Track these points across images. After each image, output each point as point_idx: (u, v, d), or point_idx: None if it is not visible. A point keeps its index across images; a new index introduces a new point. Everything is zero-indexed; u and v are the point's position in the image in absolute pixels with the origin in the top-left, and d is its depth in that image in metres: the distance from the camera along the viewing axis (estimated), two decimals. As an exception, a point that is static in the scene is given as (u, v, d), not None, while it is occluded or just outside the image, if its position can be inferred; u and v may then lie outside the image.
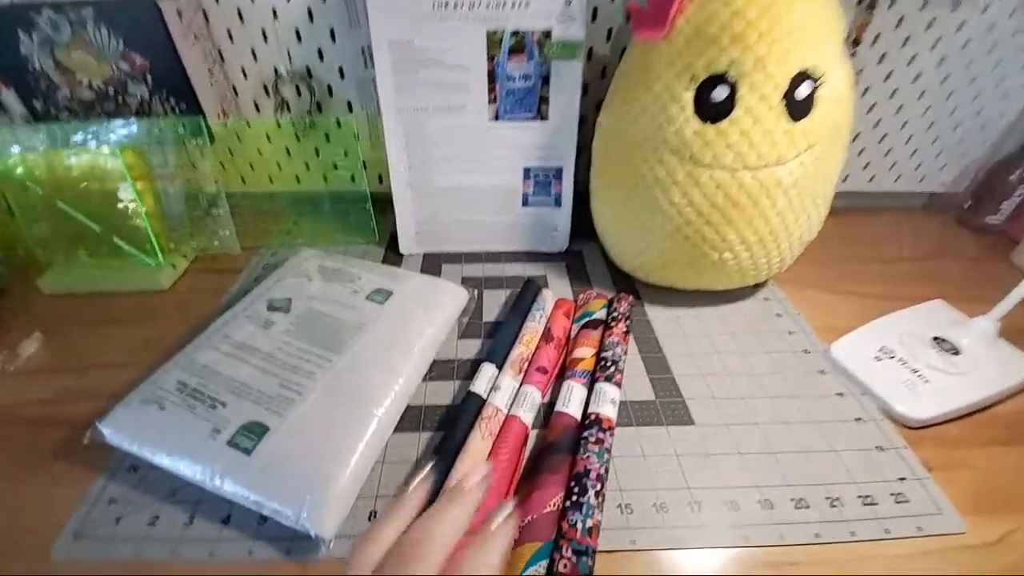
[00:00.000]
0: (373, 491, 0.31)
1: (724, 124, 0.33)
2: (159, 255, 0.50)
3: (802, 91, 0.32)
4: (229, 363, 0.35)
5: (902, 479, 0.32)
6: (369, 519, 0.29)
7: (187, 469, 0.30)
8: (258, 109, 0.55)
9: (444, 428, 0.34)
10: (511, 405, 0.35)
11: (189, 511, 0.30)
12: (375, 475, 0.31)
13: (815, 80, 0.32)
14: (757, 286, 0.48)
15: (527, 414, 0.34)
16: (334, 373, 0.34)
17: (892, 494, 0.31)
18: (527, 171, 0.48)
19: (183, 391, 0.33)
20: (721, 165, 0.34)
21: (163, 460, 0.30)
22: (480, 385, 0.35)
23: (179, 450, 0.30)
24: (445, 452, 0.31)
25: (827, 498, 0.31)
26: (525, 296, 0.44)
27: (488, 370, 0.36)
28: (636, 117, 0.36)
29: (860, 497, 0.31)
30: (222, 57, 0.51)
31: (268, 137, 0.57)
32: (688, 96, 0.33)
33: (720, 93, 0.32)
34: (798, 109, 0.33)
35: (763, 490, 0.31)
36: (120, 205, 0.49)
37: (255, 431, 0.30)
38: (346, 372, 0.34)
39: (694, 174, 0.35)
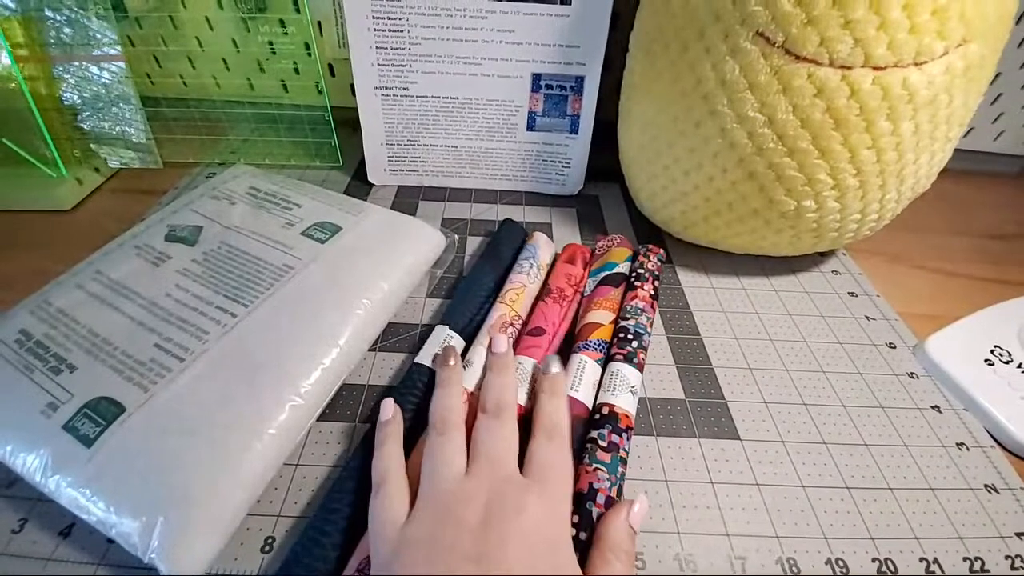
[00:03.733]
0: (276, 507, 0.22)
1: (849, -14, 0.21)
2: (59, 165, 0.39)
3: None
4: (94, 309, 0.25)
5: (1020, 535, 0.23)
6: (264, 549, 0.20)
7: (12, 456, 0.21)
8: (192, -20, 0.42)
9: (375, 416, 0.25)
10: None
11: (23, 513, 0.22)
12: (282, 482, 0.22)
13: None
14: (823, 255, 0.37)
15: (521, 393, 0.24)
16: (236, 333, 0.24)
17: (1008, 556, 0.22)
18: (537, 79, 0.36)
19: (23, 344, 0.23)
20: (830, 58, 0.22)
21: (-17, 439, 0.21)
22: (427, 355, 0.25)
23: (3, 428, 0.21)
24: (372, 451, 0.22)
25: (921, 559, 0.22)
26: (504, 240, 0.33)
27: (441, 334, 0.26)
28: (703, -21, 0.24)
29: (967, 560, 0.22)
30: (139, -101, 0.38)
31: (209, 23, 0.44)
32: (796, -65, 0.21)
33: (854, -73, 0.20)
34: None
35: (834, 544, 0.22)
36: (6, 96, 0.38)
37: (104, 412, 0.21)
38: (254, 333, 0.24)
39: (784, 73, 0.23)
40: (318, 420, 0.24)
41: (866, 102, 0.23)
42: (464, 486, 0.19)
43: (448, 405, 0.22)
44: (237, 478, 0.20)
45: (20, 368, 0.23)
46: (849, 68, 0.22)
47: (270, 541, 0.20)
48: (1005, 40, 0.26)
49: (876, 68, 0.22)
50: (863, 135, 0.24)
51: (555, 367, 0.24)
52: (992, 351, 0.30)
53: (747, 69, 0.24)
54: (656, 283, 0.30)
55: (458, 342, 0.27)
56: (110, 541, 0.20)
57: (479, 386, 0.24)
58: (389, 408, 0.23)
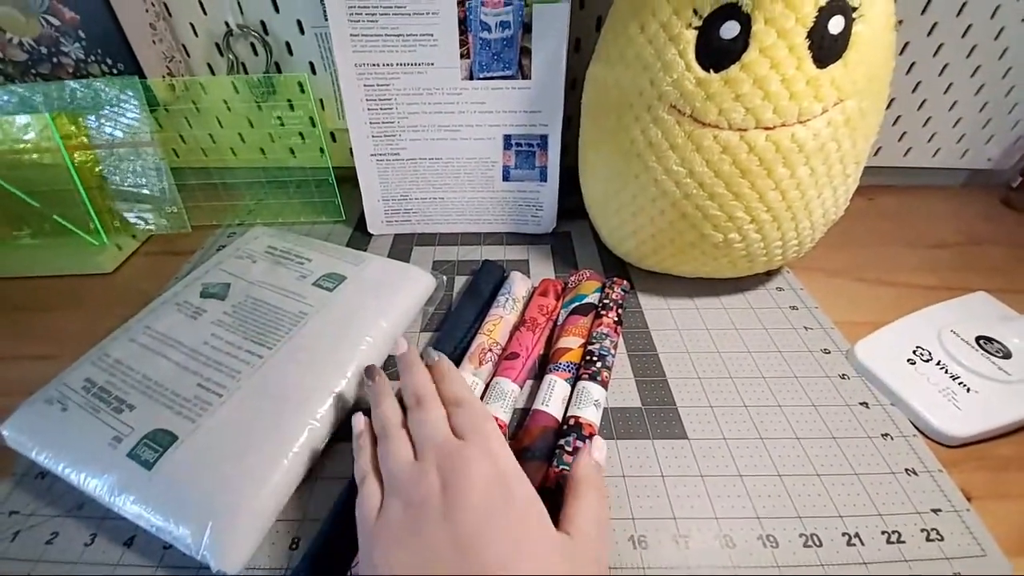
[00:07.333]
0: (300, 513, 0.26)
1: (733, 71, 0.26)
2: (102, 234, 0.45)
3: (834, 26, 0.25)
4: (146, 358, 0.30)
5: (936, 511, 0.27)
6: (292, 547, 0.25)
7: (85, 482, 0.25)
8: (212, 72, 0.50)
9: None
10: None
11: (92, 529, 0.26)
12: (304, 493, 0.27)
13: (851, 11, 0.25)
14: (769, 273, 0.42)
15: (499, 410, 0.29)
16: (263, 371, 0.29)
17: (924, 530, 0.26)
18: (508, 140, 0.42)
19: (89, 390, 0.28)
20: (728, 124, 0.28)
21: (61, 469, 0.26)
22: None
23: (77, 459, 0.26)
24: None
25: (844, 534, 0.26)
26: (483, 278, 0.38)
27: None
28: (628, 66, 0.30)
29: (884, 533, 0.26)
30: (168, 11, 0.46)
31: (228, 106, 0.51)
32: (689, 36, 0.27)
33: (730, 30, 0.25)
34: (827, 50, 0.26)
35: (766, 523, 0.26)
36: (58, 178, 0.44)
37: (161, 441, 0.26)
38: (277, 370, 0.29)
39: (695, 136, 0.29)
40: (332, 440, 0.29)
41: (763, 155, 0.28)
42: (416, 468, 0.22)
43: (384, 415, 0.25)
44: (269, 489, 0.25)
45: (88, 410, 0.28)
46: (745, 130, 0.28)
47: (296, 541, 0.25)
48: (885, 93, 0.31)
49: (767, 128, 0.28)
50: (766, 180, 0.29)
51: (435, 356, 0.28)
52: (914, 351, 0.34)
53: (667, 133, 0.29)
54: (620, 310, 0.35)
55: None
56: (165, 547, 0.25)
57: None
58: (360, 422, 0.26)
